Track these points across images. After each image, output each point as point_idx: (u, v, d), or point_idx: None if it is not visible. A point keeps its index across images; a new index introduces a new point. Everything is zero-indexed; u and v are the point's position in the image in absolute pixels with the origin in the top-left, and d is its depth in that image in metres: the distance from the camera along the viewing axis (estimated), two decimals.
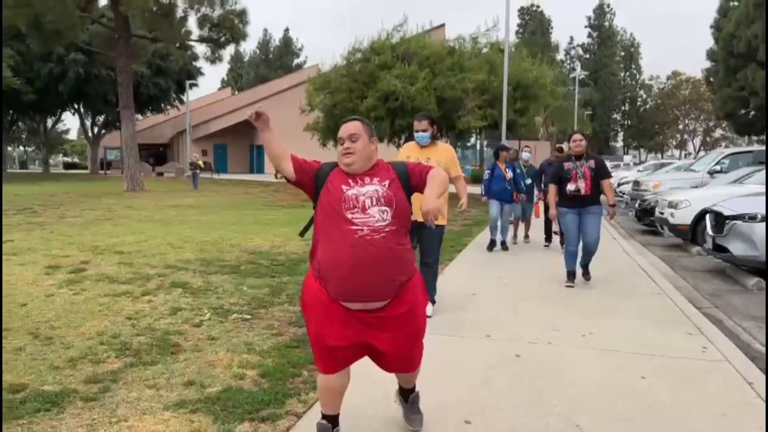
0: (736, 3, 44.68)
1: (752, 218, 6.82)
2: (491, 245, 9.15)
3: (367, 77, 18.53)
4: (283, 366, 3.73)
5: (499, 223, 9.12)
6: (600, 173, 6.37)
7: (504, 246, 9.26)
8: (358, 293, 2.41)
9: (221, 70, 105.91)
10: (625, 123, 77.13)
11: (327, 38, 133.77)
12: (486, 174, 9.22)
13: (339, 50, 72.07)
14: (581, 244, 6.54)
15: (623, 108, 75.97)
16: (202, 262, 7.56)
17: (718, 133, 69.62)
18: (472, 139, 35.61)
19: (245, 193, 23.71)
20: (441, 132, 5.70)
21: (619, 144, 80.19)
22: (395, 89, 17.48)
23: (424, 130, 5.03)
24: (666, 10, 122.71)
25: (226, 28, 24.73)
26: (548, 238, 9.83)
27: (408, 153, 5.08)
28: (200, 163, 27.69)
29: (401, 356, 2.61)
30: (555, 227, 9.34)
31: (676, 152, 74.71)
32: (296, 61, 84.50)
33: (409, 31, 20.72)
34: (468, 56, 19.72)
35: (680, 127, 73.62)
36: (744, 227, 6.83)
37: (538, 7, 71.31)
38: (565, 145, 9.18)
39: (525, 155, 10.16)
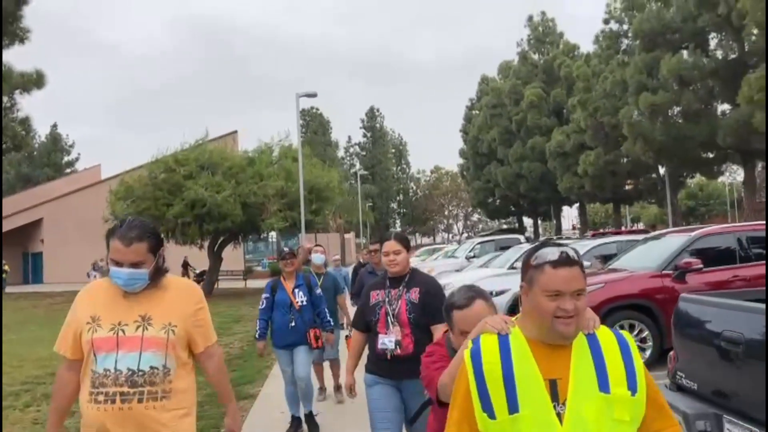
0: (477, 112, 54.77)
1: (498, 294, 9.83)
2: (295, 426, 5.35)
3: (172, 186, 19.69)
4: None
5: (299, 386, 5.23)
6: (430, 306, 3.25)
7: (311, 423, 5.35)
8: None
9: None
10: (401, 211, 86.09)
11: (101, 132, 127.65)
12: (262, 301, 5.34)
13: (117, 146, 69.65)
14: None
15: (398, 198, 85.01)
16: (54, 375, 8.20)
17: (475, 217, 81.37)
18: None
19: (34, 307, 22.28)
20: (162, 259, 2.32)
21: (398, 230, 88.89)
22: (202, 197, 18.93)
23: (136, 264, 2.21)
24: (425, 113, 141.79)
25: (8, 137, 23.83)
26: None
27: (91, 310, 2.28)
28: (7, 268, 29.84)
29: None
30: None
31: (445, 234, 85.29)
32: (67, 158, 79.08)
33: (201, 136, 22.53)
34: (266, 164, 22.03)
35: (446, 213, 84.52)
36: None
37: (317, 109, 77.93)
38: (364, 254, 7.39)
39: (317, 258, 6.57)
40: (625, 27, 32.42)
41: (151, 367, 2.21)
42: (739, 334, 2.82)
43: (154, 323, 2.24)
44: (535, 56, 47.44)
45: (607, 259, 10.84)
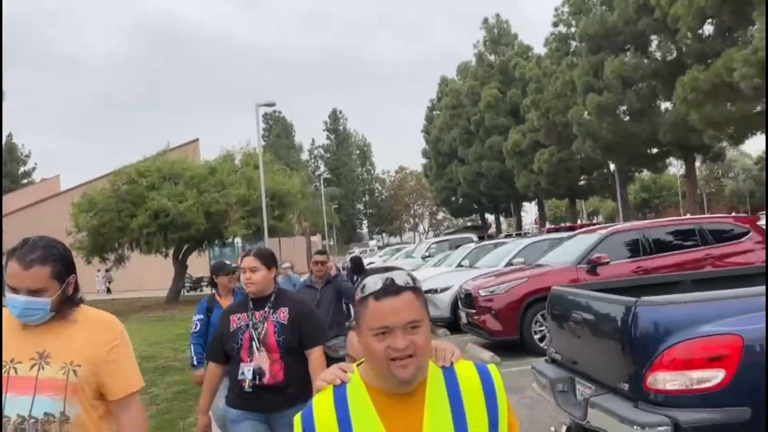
0: (438, 113, 55.84)
1: (434, 291, 10.63)
2: None
3: (135, 197, 20.06)
4: None
5: None
6: (301, 328, 2.99)
7: None
8: None
9: None
10: (367, 212, 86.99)
11: (57, 141, 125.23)
12: (195, 323, 4.73)
13: (74, 156, 68.75)
14: None
15: (364, 199, 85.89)
16: None
17: (441, 215, 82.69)
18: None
19: None
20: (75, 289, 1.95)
21: (365, 230, 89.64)
22: (165, 207, 19.36)
23: (36, 291, 1.85)
24: (387, 114, 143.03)
25: None
26: None
27: None
28: None
29: None
30: None
31: (411, 234, 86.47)
32: (23, 169, 77.48)
33: (162, 146, 22.94)
34: (228, 173, 22.51)
35: (411, 212, 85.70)
36: (433, 298, 10.57)
37: (280, 112, 78.22)
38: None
39: (282, 281, 5.56)
40: (573, 30, 33.79)
41: (45, 414, 1.82)
42: (580, 316, 3.67)
43: (52, 362, 1.85)
44: (492, 57, 48.60)
45: None
